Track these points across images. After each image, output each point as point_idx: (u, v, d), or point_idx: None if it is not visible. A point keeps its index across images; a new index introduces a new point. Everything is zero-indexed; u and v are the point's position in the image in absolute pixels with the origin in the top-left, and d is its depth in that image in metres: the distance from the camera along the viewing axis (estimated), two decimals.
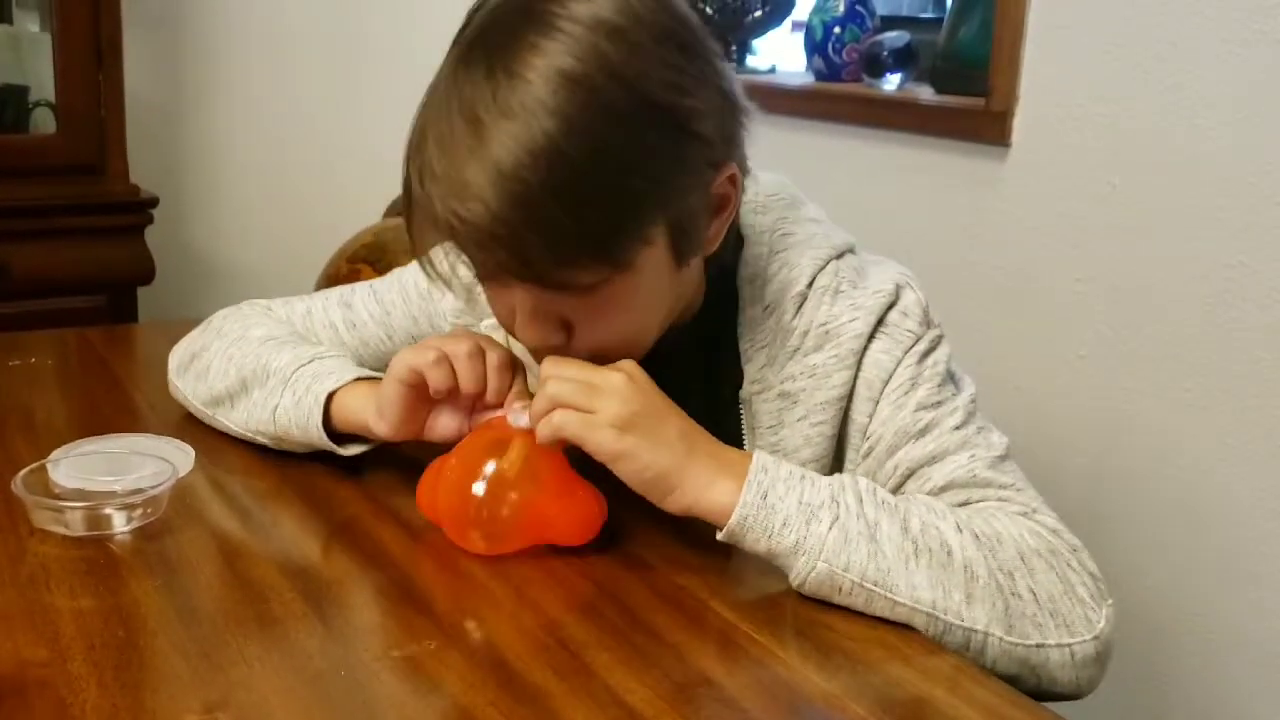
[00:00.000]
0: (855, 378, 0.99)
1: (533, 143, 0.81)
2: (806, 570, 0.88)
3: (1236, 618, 1.45)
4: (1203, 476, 1.47)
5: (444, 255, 0.93)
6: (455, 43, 0.89)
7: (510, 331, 0.96)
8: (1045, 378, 1.67)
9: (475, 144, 0.82)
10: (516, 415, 0.93)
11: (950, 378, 1.00)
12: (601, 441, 0.89)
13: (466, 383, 0.93)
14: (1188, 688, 1.50)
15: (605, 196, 0.84)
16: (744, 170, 0.96)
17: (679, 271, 0.94)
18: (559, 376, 0.91)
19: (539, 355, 0.95)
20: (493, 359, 0.94)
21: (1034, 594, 0.88)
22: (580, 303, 0.89)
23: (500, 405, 0.95)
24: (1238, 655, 1.45)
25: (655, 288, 0.93)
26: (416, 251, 0.92)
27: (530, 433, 0.92)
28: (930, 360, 0.99)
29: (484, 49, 0.85)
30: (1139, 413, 1.54)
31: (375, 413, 1.00)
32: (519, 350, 0.99)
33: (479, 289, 0.98)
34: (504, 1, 0.88)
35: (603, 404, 0.90)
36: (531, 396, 0.95)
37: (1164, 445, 1.51)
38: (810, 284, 1.00)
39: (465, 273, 0.94)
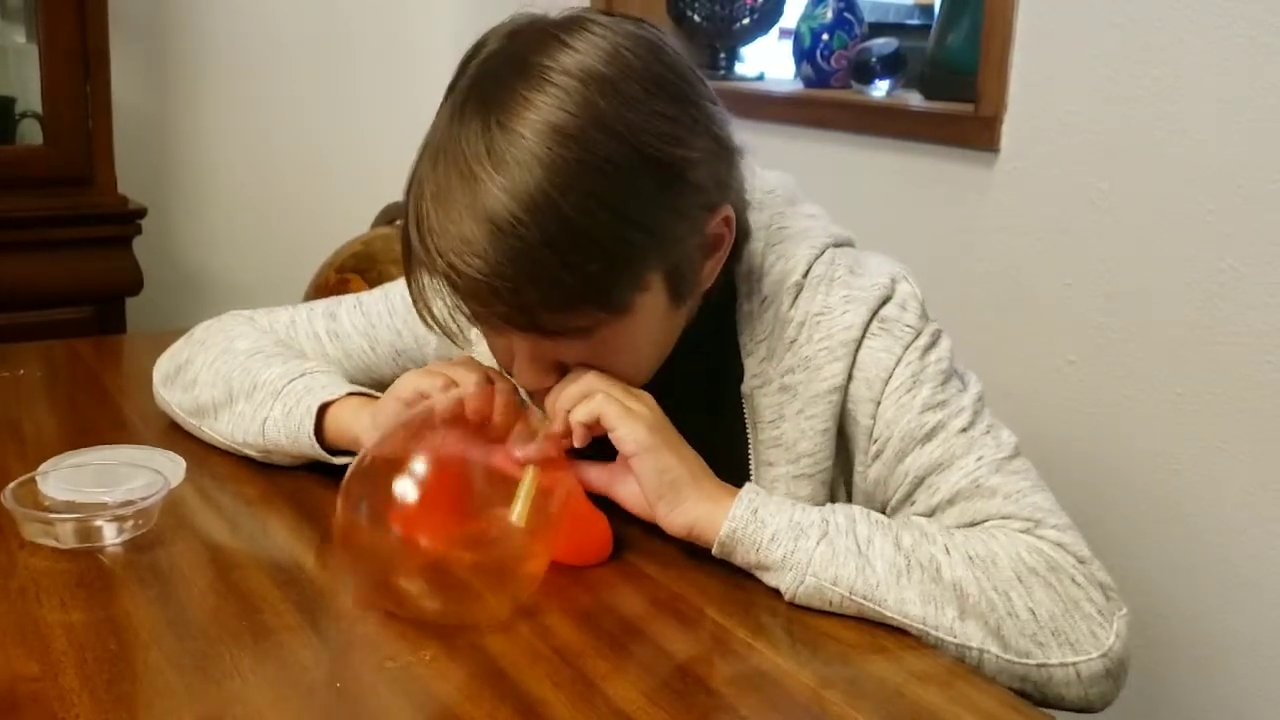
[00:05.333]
0: (851, 374, 0.98)
1: (528, 197, 0.81)
2: (795, 584, 0.89)
3: (1231, 620, 1.45)
4: (1194, 480, 1.47)
5: (443, 301, 0.92)
6: (448, 94, 0.89)
7: (508, 373, 0.96)
8: (1035, 383, 1.67)
9: (470, 199, 0.83)
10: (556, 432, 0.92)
11: (954, 374, 1.00)
12: (634, 430, 0.90)
13: (472, 413, 0.92)
14: (1184, 690, 1.50)
15: (601, 248, 0.84)
16: (739, 208, 0.97)
17: (676, 311, 0.94)
18: (598, 374, 0.92)
19: (537, 396, 0.95)
20: (500, 394, 0.93)
21: (1033, 613, 0.88)
22: (578, 346, 0.90)
23: (501, 439, 0.93)
24: (1234, 658, 1.45)
25: (653, 328, 0.93)
26: (415, 299, 0.92)
27: (541, 466, 0.90)
28: (932, 356, 0.98)
29: (478, 102, 0.85)
30: (1129, 417, 1.54)
31: (369, 425, 0.99)
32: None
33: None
34: (496, 52, 0.88)
35: (638, 405, 0.92)
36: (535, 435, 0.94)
37: (1154, 449, 1.51)
38: (806, 274, 1.00)
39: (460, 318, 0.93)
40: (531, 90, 0.84)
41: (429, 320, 0.93)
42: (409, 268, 0.90)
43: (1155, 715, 1.52)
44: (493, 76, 0.86)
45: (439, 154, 0.86)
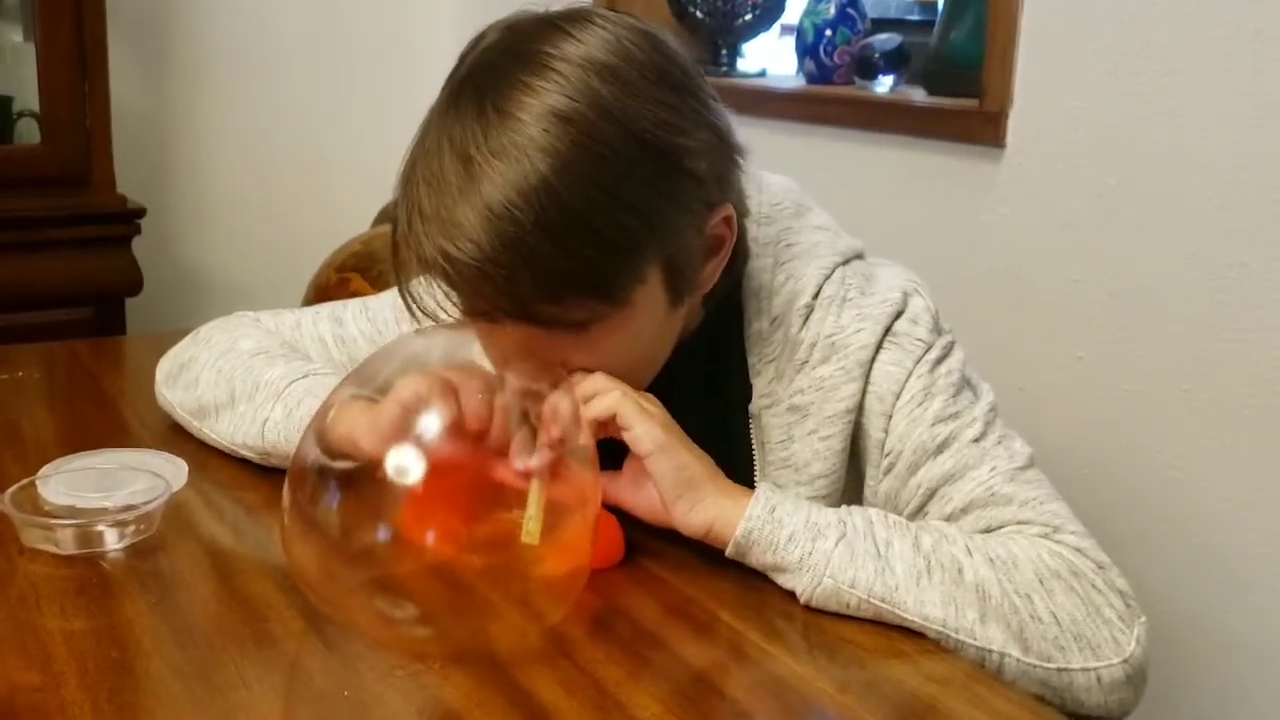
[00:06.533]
0: (865, 390, 0.97)
1: (524, 182, 0.80)
2: (812, 586, 0.88)
3: (1234, 620, 1.44)
4: (1201, 476, 1.46)
5: (429, 291, 0.91)
6: (447, 83, 0.88)
7: (501, 373, 0.93)
8: (1043, 379, 1.66)
9: (466, 183, 0.82)
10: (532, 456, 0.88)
11: (966, 385, 0.99)
12: (650, 429, 0.89)
13: (472, 420, 0.89)
14: (1188, 689, 1.48)
15: (598, 235, 0.83)
16: (741, 212, 0.96)
17: (674, 311, 0.93)
18: (606, 375, 0.91)
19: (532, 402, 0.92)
20: (501, 401, 0.91)
21: (1055, 616, 0.87)
22: (573, 341, 0.88)
23: (502, 447, 0.90)
24: (1236, 657, 1.44)
25: (650, 326, 0.92)
26: (401, 291, 0.90)
27: (544, 478, 0.86)
28: (943, 369, 0.97)
29: (475, 89, 0.85)
30: (1137, 414, 1.53)
31: (367, 429, 0.97)
32: None
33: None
34: (496, 42, 0.87)
35: (649, 405, 0.91)
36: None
37: (1162, 445, 1.50)
38: (816, 295, 0.99)
39: (453, 310, 0.92)
40: (531, 76, 0.83)
41: (416, 314, 0.91)
42: (397, 258, 0.88)
43: (1159, 714, 1.50)
44: (491, 65, 0.86)
45: (434, 140, 0.85)
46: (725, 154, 0.92)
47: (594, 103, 0.82)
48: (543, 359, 0.90)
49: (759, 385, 1.00)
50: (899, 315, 0.98)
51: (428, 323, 0.92)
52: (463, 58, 0.89)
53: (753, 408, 1.00)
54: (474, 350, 0.93)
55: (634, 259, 0.86)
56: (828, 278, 0.99)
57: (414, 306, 0.91)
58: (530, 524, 0.84)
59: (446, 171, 0.83)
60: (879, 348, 0.97)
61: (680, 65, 0.89)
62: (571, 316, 0.86)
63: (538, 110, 0.82)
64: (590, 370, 0.91)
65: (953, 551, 0.88)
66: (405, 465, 0.84)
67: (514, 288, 0.83)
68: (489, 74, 0.85)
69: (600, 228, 0.82)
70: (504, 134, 0.81)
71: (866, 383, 0.97)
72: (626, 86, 0.84)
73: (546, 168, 0.80)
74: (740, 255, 0.99)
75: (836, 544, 0.88)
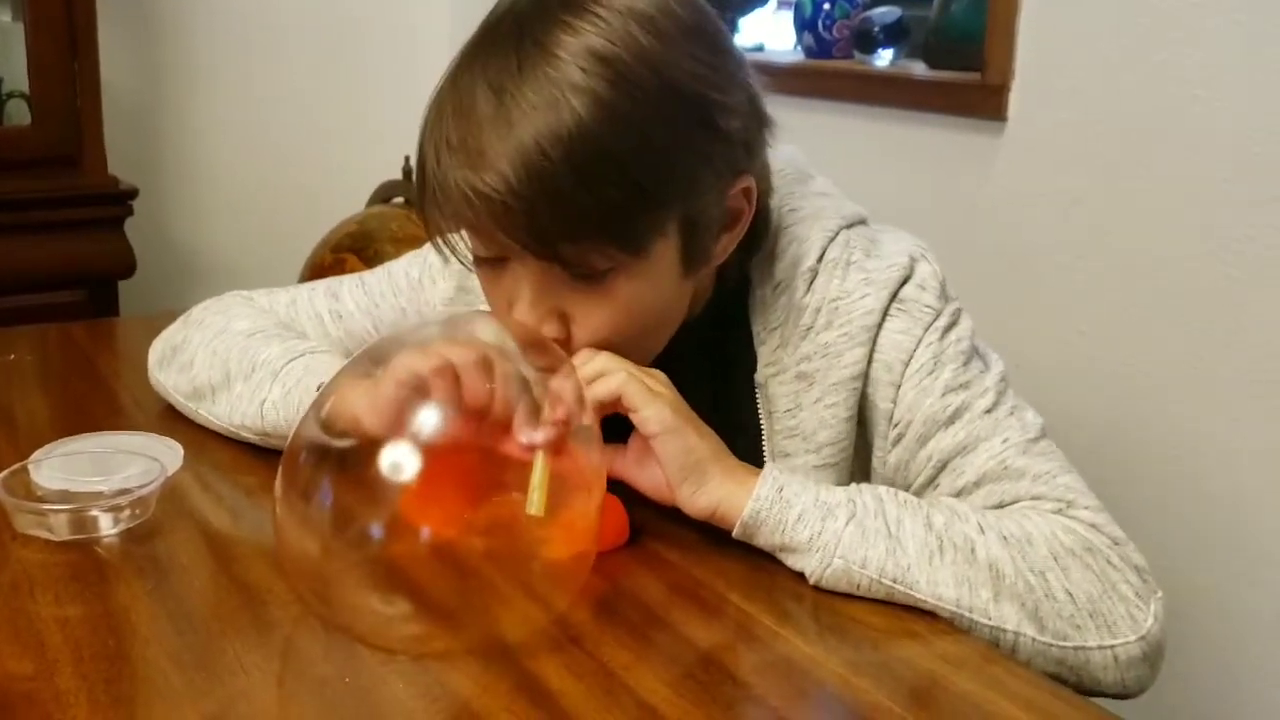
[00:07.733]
0: (870, 357, 0.96)
1: (558, 119, 0.80)
2: (822, 567, 0.87)
3: (1249, 594, 1.43)
4: (1210, 453, 1.45)
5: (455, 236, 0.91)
6: (485, 20, 0.88)
7: (504, 324, 0.92)
8: (1045, 356, 1.65)
9: (497, 115, 0.82)
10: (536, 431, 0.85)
11: (976, 353, 0.97)
12: (659, 410, 0.88)
13: (471, 395, 0.86)
14: (1198, 665, 1.47)
15: (626, 178, 0.82)
16: (764, 188, 0.95)
17: (685, 281, 0.92)
18: (612, 355, 0.90)
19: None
20: (500, 372, 0.89)
21: (1070, 594, 0.85)
22: (583, 293, 0.87)
23: (504, 422, 0.86)
24: (1248, 632, 1.43)
25: (660, 289, 0.90)
26: (428, 228, 0.90)
27: (549, 451, 0.84)
28: (952, 336, 0.96)
29: (515, 24, 0.85)
30: (1142, 390, 1.52)
31: (367, 408, 0.95)
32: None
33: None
34: None
35: (655, 384, 0.90)
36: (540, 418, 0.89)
37: (1168, 421, 1.49)
38: (820, 258, 0.97)
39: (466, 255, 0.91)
40: (572, 16, 0.83)
41: (443, 249, 0.91)
42: (422, 190, 0.88)
43: (1174, 691, 1.49)
44: (533, 2, 0.86)
45: (466, 71, 0.85)
46: (756, 121, 0.92)
47: (632, 48, 0.83)
48: (550, 307, 0.89)
49: (764, 353, 0.99)
50: (906, 281, 0.96)
51: (456, 262, 0.93)
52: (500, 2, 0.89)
53: (758, 376, 0.99)
54: (477, 329, 0.91)
55: (658, 208, 0.86)
56: (831, 240, 0.98)
57: (441, 244, 0.91)
58: (535, 495, 0.82)
59: (479, 102, 0.83)
60: (885, 314, 0.96)
61: (719, 29, 0.91)
62: (589, 262, 0.85)
63: (576, 48, 0.82)
64: (594, 331, 0.89)
65: (965, 530, 0.87)
66: (405, 448, 0.83)
67: (535, 224, 0.82)
68: (530, 11, 0.85)
69: (629, 171, 0.83)
70: (540, 68, 0.82)
71: (873, 350, 0.96)
72: (665, 38, 0.85)
73: (581, 105, 0.81)
74: (755, 236, 0.98)
75: (847, 523, 0.86)
